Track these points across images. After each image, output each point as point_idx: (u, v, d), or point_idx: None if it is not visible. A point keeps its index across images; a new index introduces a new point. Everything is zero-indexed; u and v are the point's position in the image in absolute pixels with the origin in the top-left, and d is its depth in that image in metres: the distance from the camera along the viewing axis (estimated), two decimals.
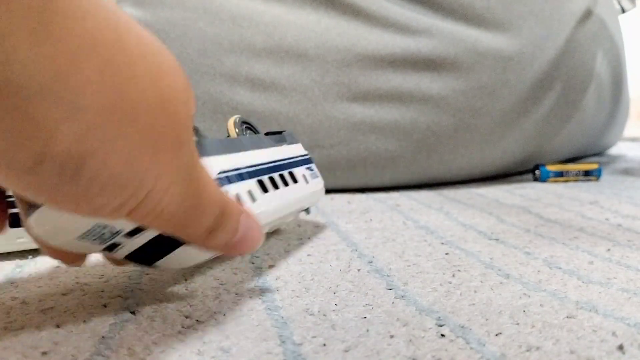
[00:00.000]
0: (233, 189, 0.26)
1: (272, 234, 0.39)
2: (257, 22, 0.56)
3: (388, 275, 0.30)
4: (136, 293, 0.27)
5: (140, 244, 0.23)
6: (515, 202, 0.53)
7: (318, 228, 0.41)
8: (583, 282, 0.28)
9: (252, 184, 0.27)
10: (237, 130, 0.33)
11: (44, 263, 0.32)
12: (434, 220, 0.44)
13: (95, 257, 0.33)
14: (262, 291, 0.27)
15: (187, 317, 0.24)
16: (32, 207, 0.20)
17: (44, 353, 0.21)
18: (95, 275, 0.30)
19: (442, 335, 0.22)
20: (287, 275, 0.30)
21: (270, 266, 0.31)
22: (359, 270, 0.31)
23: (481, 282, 0.28)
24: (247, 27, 0.56)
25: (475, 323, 0.23)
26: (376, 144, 0.57)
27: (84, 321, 0.24)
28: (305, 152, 0.37)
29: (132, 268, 0.31)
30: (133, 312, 0.24)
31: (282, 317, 0.24)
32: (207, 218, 0.20)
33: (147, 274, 0.30)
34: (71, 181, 0.16)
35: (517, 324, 0.23)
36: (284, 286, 0.28)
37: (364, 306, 0.25)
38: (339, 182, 0.58)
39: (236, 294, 0.27)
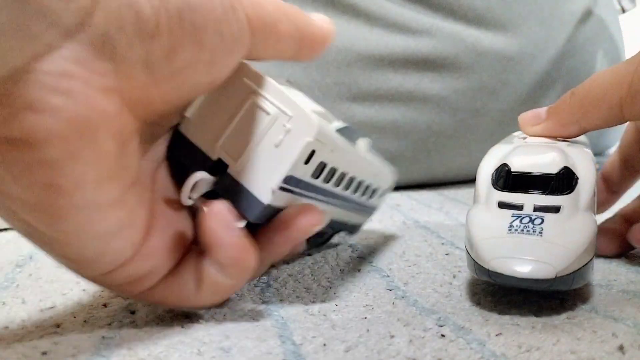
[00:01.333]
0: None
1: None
2: None
3: (388, 276, 0.30)
4: None
5: None
6: None
7: None
8: None
9: None
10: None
11: (44, 263, 0.32)
12: (434, 220, 0.44)
13: None
14: (262, 291, 0.27)
15: (187, 317, 0.24)
16: None
17: (44, 353, 0.21)
18: None
19: (443, 335, 0.22)
20: (287, 275, 0.30)
21: (271, 266, 0.31)
22: (359, 270, 0.31)
23: (482, 282, 0.28)
24: None
25: (476, 323, 0.23)
26: (376, 143, 0.57)
27: (84, 321, 0.24)
28: None
29: None
30: (133, 312, 0.24)
31: (282, 317, 0.24)
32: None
33: None
34: None
35: (518, 324, 0.23)
36: (284, 286, 0.28)
37: (364, 306, 0.25)
38: None
39: (236, 294, 0.27)
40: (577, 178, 0.26)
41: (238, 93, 0.23)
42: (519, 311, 0.25)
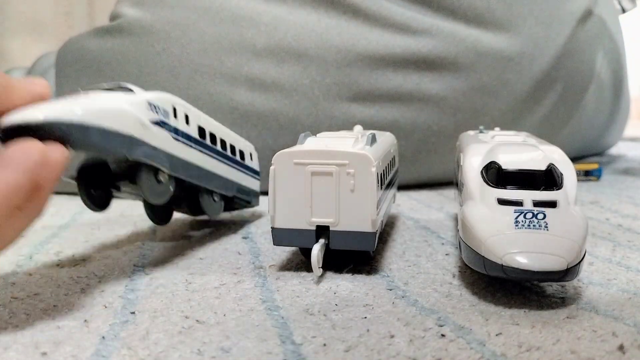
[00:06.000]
0: None
1: None
2: (257, 22, 0.56)
3: (388, 276, 0.30)
4: (136, 293, 0.27)
5: None
6: None
7: None
8: (583, 283, 0.28)
9: None
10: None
11: (44, 263, 0.32)
12: (434, 220, 0.44)
13: (96, 259, 0.33)
14: (262, 291, 0.27)
15: (187, 317, 0.24)
16: None
17: (44, 353, 0.21)
18: (95, 275, 0.30)
19: (443, 335, 0.22)
20: (287, 275, 0.30)
21: (271, 266, 0.31)
22: (359, 270, 0.31)
23: (481, 282, 0.28)
24: (248, 27, 0.56)
25: (476, 323, 0.23)
26: None
27: (84, 321, 0.24)
28: None
29: (132, 268, 0.31)
30: (133, 312, 0.24)
31: (282, 317, 0.24)
32: None
33: (147, 274, 0.30)
34: None
35: (518, 324, 0.23)
36: (284, 286, 0.28)
37: (364, 306, 0.25)
38: None
39: (236, 294, 0.27)
40: (562, 174, 0.28)
41: (298, 174, 0.28)
42: (519, 311, 0.25)
